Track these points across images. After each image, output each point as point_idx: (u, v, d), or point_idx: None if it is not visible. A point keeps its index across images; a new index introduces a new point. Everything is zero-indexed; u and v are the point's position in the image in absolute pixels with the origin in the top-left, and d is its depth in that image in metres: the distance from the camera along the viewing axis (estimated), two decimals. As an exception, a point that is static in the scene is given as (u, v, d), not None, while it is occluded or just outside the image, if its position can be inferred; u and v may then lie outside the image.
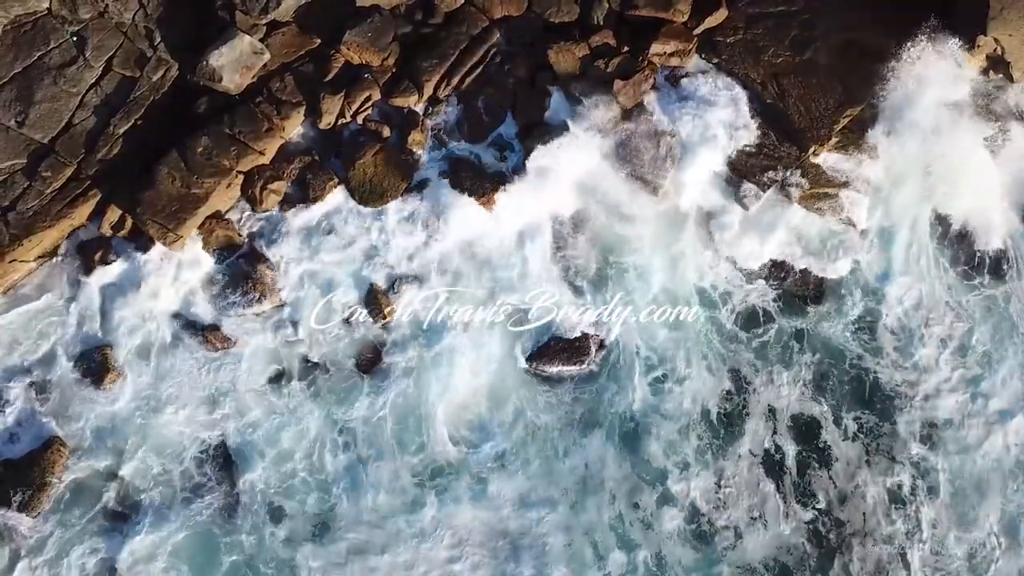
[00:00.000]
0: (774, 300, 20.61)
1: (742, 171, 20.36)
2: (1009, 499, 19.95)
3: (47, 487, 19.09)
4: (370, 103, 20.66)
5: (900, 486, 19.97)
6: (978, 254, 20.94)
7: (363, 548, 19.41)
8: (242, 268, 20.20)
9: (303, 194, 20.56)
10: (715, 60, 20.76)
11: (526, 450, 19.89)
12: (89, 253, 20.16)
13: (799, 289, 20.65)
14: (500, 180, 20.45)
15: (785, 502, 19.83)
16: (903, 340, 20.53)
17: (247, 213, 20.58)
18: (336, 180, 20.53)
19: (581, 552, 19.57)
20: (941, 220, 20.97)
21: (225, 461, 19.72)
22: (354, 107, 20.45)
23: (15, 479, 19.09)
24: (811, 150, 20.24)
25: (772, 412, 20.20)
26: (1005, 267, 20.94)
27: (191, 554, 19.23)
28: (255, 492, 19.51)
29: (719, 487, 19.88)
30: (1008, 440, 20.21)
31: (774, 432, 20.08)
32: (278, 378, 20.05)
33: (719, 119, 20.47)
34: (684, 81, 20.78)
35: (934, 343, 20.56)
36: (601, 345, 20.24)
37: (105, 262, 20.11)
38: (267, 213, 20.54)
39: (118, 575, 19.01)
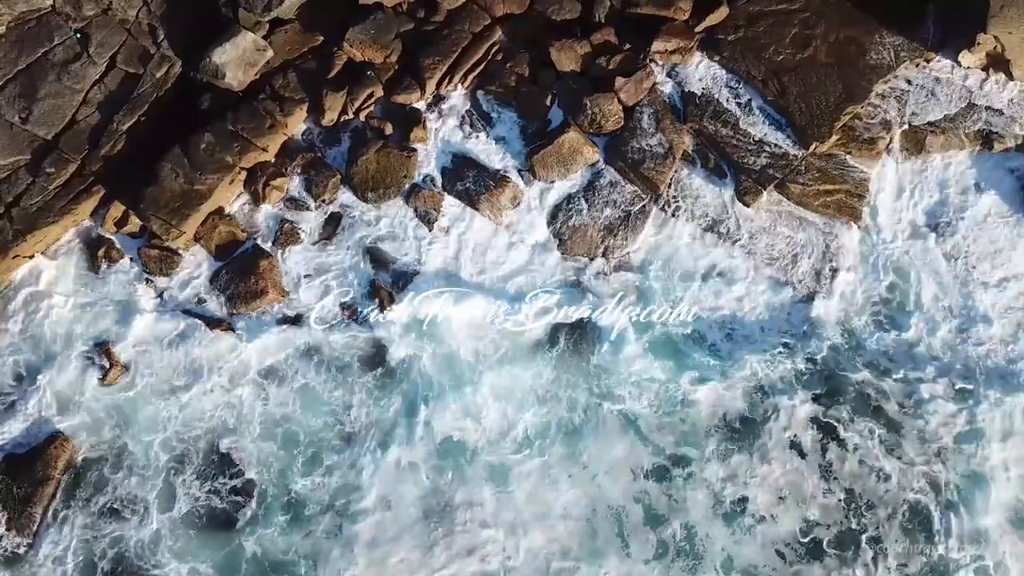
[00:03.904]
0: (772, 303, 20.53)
1: (742, 168, 20.44)
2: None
3: (49, 482, 19.06)
4: (373, 100, 20.76)
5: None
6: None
7: (380, 534, 19.32)
8: (245, 264, 20.24)
9: (306, 190, 20.64)
10: (716, 58, 20.86)
11: (536, 436, 19.71)
12: (95, 249, 20.28)
13: (798, 289, 20.57)
14: (502, 178, 20.53)
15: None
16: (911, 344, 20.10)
17: (250, 209, 20.67)
18: (339, 176, 20.61)
19: (600, 529, 19.36)
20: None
21: (229, 457, 19.68)
22: (357, 104, 20.55)
23: (18, 474, 19.10)
24: (812, 147, 20.30)
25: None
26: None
27: (207, 546, 19.23)
28: (262, 484, 19.49)
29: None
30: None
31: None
32: (281, 373, 20.03)
33: (719, 117, 20.57)
34: (685, 78, 20.88)
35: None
36: (603, 340, 20.23)
37: (110, 259, 20.21)
38: (270, 209, 20.63)
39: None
